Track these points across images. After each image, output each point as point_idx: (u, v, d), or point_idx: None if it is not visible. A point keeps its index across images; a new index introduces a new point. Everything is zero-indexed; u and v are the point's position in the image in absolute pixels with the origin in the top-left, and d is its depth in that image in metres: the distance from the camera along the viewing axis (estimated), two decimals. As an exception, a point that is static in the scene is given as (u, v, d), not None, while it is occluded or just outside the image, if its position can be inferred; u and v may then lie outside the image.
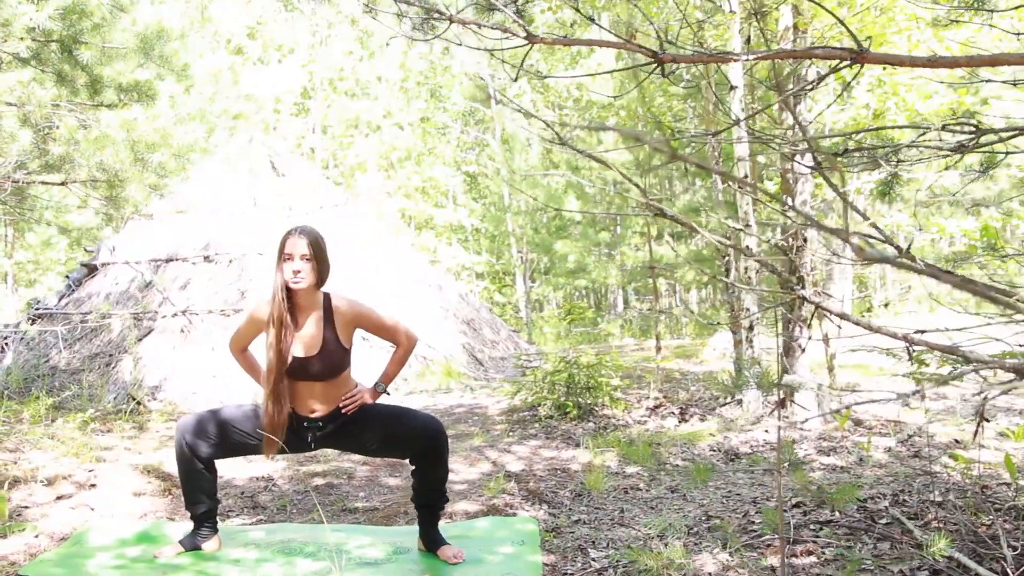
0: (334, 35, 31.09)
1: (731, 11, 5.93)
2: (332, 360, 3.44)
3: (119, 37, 5.19)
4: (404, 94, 29.52)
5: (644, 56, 1.74)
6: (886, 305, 14.52)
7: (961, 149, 1.90)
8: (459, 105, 30.18)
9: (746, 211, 6.06)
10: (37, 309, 10.27)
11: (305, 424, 3.52)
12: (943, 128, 1.95)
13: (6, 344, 9.85)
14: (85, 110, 4.85)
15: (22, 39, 3.99)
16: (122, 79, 5.22)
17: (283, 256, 3.37)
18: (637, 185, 1.88)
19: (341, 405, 3.52)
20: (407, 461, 3.77)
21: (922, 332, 1.81)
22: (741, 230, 6.05)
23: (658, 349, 7.86)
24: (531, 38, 1.90)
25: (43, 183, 5.37)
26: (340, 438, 3.62)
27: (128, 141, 4.48)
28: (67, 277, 10.96)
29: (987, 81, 2.51)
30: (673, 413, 6.65)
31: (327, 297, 3.51)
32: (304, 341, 3.44)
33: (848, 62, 1.56)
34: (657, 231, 15.46)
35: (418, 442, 3.55)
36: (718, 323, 7.17)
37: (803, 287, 1.72)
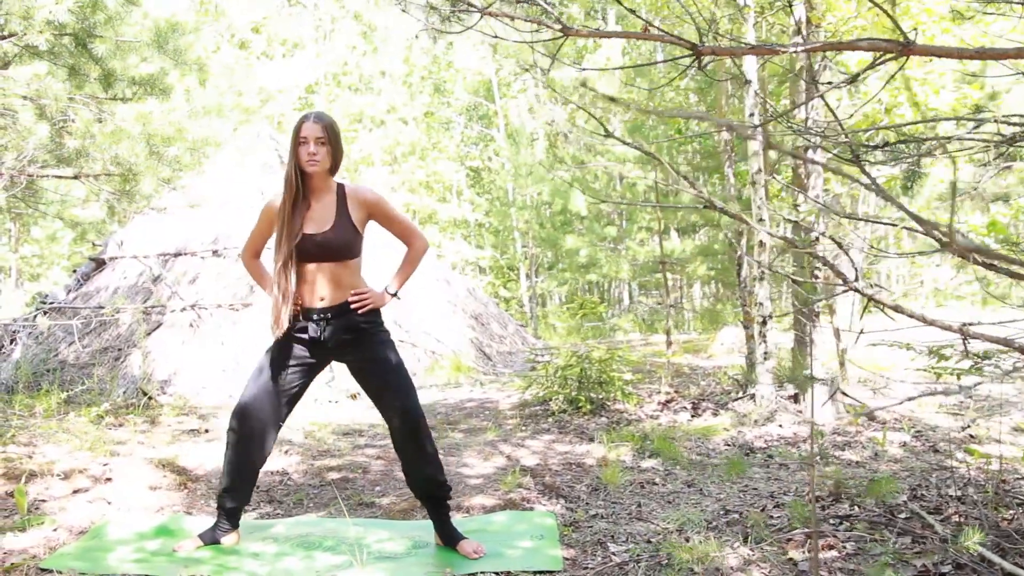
0: (337, 29, 31.06)
1: (745, 5, 5.91)
2: (342, 237, 3.41)
3: (132, 30, 5.18)
4: (408, 89, 29.47)
5: (683, 48, 1.73)
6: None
7: (1012, 141, 1.89)
8: (462, 100, 30.14)
9: (759, 205, 6.04)
10: (45, 303, 10.28)
11: (314, 316, 3.46)
12: (999, 120, 1.94)
13: (15, 338, 9.86)
14: (100, 104, 4.84)
15: (41, 32, 3.98)
16: (135, 73, 5.21)
17: (298, 140, 3.37)
18: (686, 178, 1.86)
19: (350, 299, 3.47)
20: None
21: (973, 325, 1.79)
22: (753, 224, 6.03)
23: (668, 344, 7.85)
24: (566, 30, 1.89)
25: (57, 177, 5.36)
26: (345, 352, 3.55)
27: (144, 134, 4.48)
28: (75, 271, 10.96)
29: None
30: (685, 408, 6.65)
31: (341, 185, 3.51)
32: (316, 219, 3.43)
33: (894, 54, 1.55)
34: (663, 226, 15.44)
35: (398, 412, 3.50)
36: (743, 319, 7.15)
37: (856, 280, 1.71)
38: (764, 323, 6.16)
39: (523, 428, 6.34)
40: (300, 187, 3.43)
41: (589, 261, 12.39)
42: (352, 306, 3.49)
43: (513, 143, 19.59)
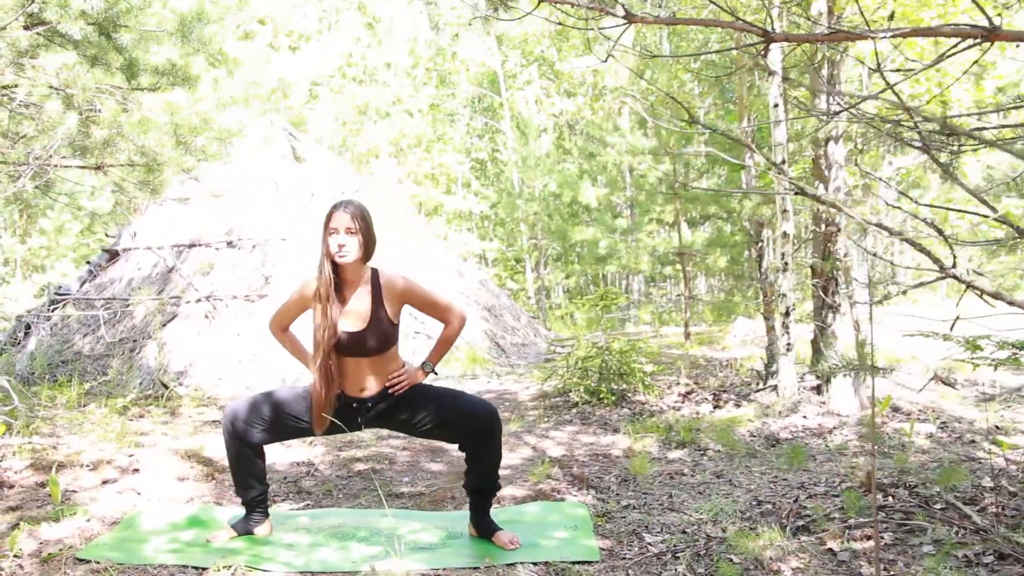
0: (342, 21, 30.99)
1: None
2: (381, 334, 3.40)
3: (156, 19, 5.15)
4: (412, 80, 29.41)
5: (754, 35, 1.71)
6: (904, 293, 14.47)
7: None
8: (467, 92, 30.08)
9: (783, 196, 6.01)
10: (59, 294, 10.27)
11: (355, 404, 3.49)
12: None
13: (29, 329, 9.85)
14: (125, 94, 4.82)
15: (76, 20, 3.95)
16: (158, 62, 5.19)
17: (328, 230, 3.34)
18: (772, 162, 1.84)
19: (389, 384, 3.48)
20: (455, 446, 3.75)
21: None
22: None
23: (687, 335, 7.83)
24: (630, 17, 1.87)
25: (81, 167, 5.34)
26: (390, 418, 3.56)
27: (171, 124, 4.45)
28: (87, 263, 10.94)
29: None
30: (707, 399, 6.64)
31: (375, 272, 3.48)
32: (352, 315, 3.40)
33: (979, 40, 1.52)
34: (676, 217, 15.41)
35: (472, 424, 3.49)
36: (764, 311, 7.13)
37: (954, 266, 1.68)
38: (787, 314, 6.14)
39: (546, 419, 6.33)
40: (333, 276, 3.40)
41: (609, 252, 12.35)
42: (391, 390, 3.50)
43: (521, 134, 19.54)
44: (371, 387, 3.49)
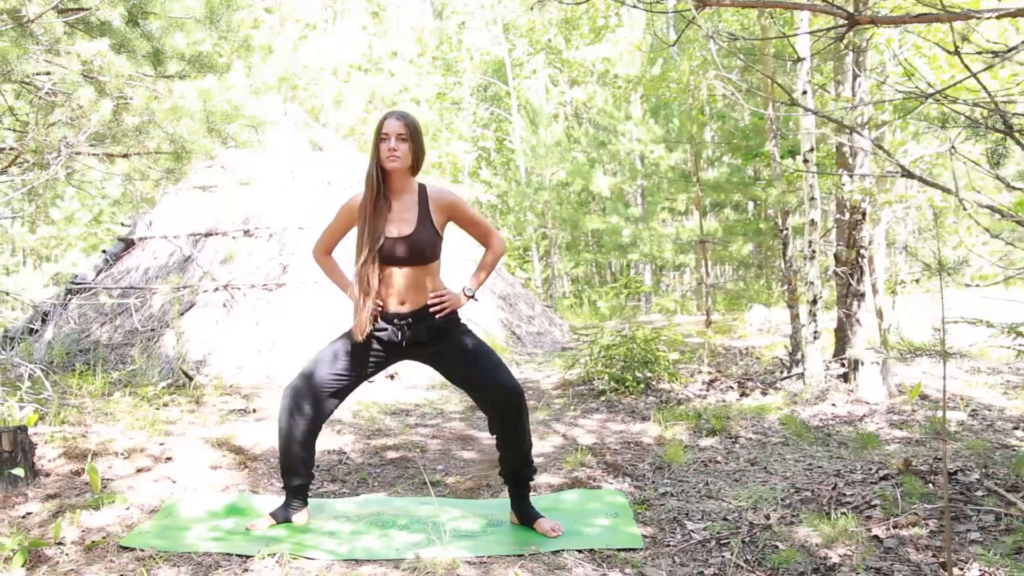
0: (348, 10, 30.85)
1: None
2: (425, 241, 3.39)
3: (183, 6, 5.12)
4: (418, 69, 29.31)
5: (839, 17, 1.68)
6: (916, 281, 14.51)
7: None
8: (474, 80, 29.98)
9: (811, 184, 5.98)
10: (75, 283, 10.26)
11: (395, 320, 3.45)
12: None
13: (46, 317, 9.85)
14: (155, 80, 4.79)
15: (114, 6, 3.93)
16: (185, 49, 5.16)
17: (379, 137, 3.37)
18: (868, 139, 1.82)
19: (430, 302, 3.46)
20: (486, 434, 3.73)
21: None
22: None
23: (708, 323, 7.81)
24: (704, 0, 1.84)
25: (107, 155, 5.33)
26: (427, 349, 3.53)
27: (203, 112, 4.43)
28: (104, 252, 10.92)
29: None
30: (731, 387, 6.62)
31: (422, 186, 3.49)
32: (397, 222, 3.41)
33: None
34: (686, 206, 15.38)
35: (495, 394, 3.47)
36: (788, 299, 7.11)
37: None
38: (814, 302, 6.12)
39: (572, 407, 6.32)
40: (382, 186, 3.41)
41: (632, 240, 12.32)
42: (431, 310, 3.47)
43: (531, 123, 19.48)
44: (411, 301, 3.45)
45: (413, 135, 3.38)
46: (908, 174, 1.77)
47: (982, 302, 4.85)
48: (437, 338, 3.51)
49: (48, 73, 4.21)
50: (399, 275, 3.42)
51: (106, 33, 4.89)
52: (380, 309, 3.44)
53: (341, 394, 3.59)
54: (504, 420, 3.50)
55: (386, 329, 3.45)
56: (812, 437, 5.07)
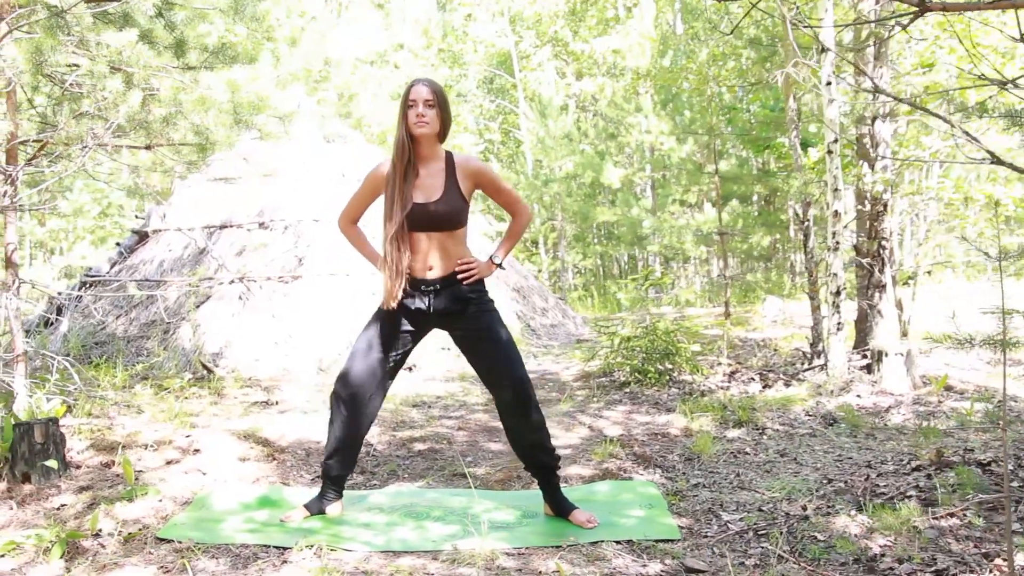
0: (352, 3, 30.79)
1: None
2: (453, 206, 3.40)
3: (205, -2, 5.11)
4: (424, 61, 29.25)
5: (908, 5, 1.66)
6: (929, 272, 14.50)
7: None
8: (478, 73, 29.93)
9: (835, 175, 5.96)
10: (89, 276, 10.27)
11: (422, 287, 3.45)
12: None
13: (61, 310, 9.85)
14: (180, 71, 4.78)
15: (146, -2, 3.93)
16: (208, 41, 5.15)
17: (407, 103, 3.37)
18: (966, 132, 1.81)
19: (457, 269, 3.46)
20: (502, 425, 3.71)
21: None
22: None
23: (727, 315, 7.79)
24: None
25: (130, 147, 5.31)
26: (456, 323, 3.55)
27: (231, 103, 4.42)
28: (118, 244, 10.93)
29: None
30: (752, 379, 6.61)
31: (449, 153, 3.51)
32: (425, 188, 3.42)
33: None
34: (696, 199, 15.35)
35: (502, 378, 3.49)
36: (809, 290, 7.09)
37: None
38: (838, 293, 6.10)
39: (595, 399, 6.31)
40: (410, 152, 3.41)
41: (653, 230, 12.30)
42: (459, 277, 3.46)
43: (540, 115, 19.44)
44: (438, 267, 3.45)
45: (440, 102, 3.39)
46: (997, 160, 1.75)
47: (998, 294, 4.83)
48: (467, 313, 3.51)
49: (76, 66, 4.20)
50: (426, 241, 3.43)
51: (130, 24, 4.88)
52: (409, 275, 3.44)
53: (384, 384, 3.60)
54: (510, 410, 3.55)
55: (413, 296, 3.46)
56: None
